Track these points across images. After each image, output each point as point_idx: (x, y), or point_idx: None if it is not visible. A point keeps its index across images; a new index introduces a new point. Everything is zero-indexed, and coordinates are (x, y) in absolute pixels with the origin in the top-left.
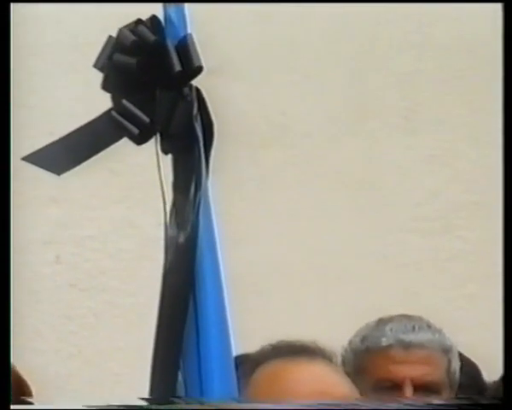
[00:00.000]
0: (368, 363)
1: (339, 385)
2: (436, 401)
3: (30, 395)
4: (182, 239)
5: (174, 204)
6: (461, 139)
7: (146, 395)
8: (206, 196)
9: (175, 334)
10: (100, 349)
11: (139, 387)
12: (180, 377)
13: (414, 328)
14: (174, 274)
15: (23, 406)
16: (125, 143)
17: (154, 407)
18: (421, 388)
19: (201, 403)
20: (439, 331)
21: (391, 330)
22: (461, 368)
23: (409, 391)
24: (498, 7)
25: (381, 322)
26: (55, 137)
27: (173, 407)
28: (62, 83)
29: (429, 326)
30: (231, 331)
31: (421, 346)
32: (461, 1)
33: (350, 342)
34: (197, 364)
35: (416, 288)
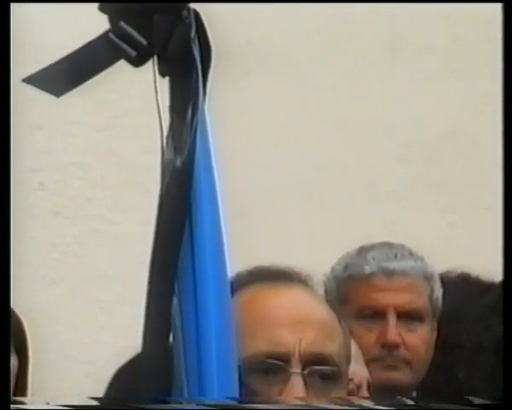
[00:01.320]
0: (350, 291)
1: (317, 310)
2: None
3: (23, 333)
4: (178, 163)
5: (171, 127)
6: (446, 69)
7: (132, 319)
8: (204, 120)
9: (171, 256)
10: (84, 277)
11: (124, 313)
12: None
13: (396, 256)
14: (171, 197)
15: (23, 406)
16: (109, 72)
17: (153, 406)
18: (404, 315)
19: (200, 403)
20: (421, 259)
21: (373, 258)
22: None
23: (392, 319)
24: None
25: (363, 250)
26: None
27: (173, 406)
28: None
29: (411, 254)
30: (227, 253)
31: (403, 273)
32: (461, 1)
33: (332, 270)
34: (192, 284)
35: (398, 216)
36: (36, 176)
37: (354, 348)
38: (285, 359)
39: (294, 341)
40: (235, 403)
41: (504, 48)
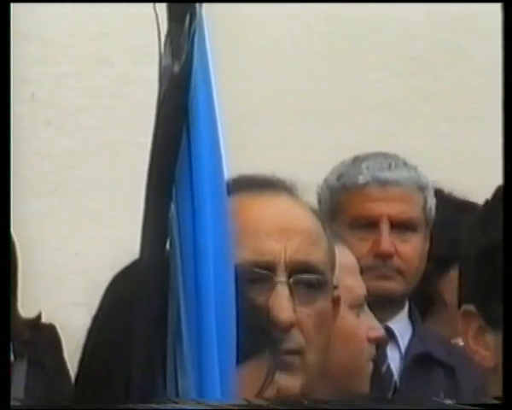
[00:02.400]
0: (344, 201)
1: (302, 219)
2: None
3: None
4: (176, 69)
5: (169, 34)
6: None
7: (124, 229)
8: (202, 27)
9: (168, 162)
10: (76, 187)
11: (116, 224)
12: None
13: (390, 166)
14: (168, 103)
15: (23, 405)
16: None
17: (153, 406)
18: (398, 225)
19: (199, 403)
20: (415, 169)
21: (367, 167)
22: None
23: (385, 229)
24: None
25: (358, 160)
26: None
27: (172, 406)
28: None
29: (405, 164)
30: (224, 160)
31: (397, 183)
32: (461, 1)
33: (326, 180)
34: (190, 190)
35: (390, 127)
36: (27, 86)
37: (352, 261)
38: (271, 268)
39: (280, 249)
40: (235, 403)
41: (504, 48)
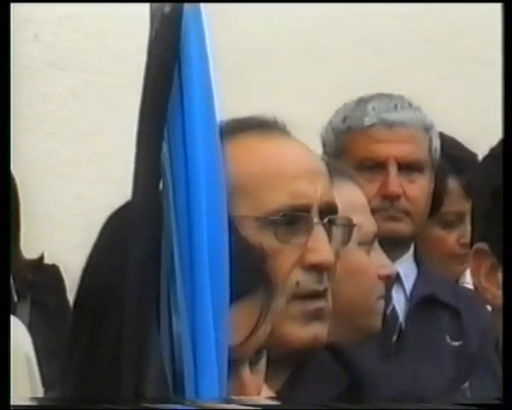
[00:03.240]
0: (350, 143)
1: (316, 160)
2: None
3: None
4: (167, 9)
5: None
6: None
7: (126, 171)
8: None
9: (160, 102)
10: (78, 129)
11: (117, 166)
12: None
13: (396, 107)
14: (159, 43)
15: (23, 406)
16: None
17: (153, 406)
18: (405, 167)
19: (200, 403)
20: (420, 110)
21: (373, 109)
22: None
23: (393, 170)
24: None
25: (362, 101)
26: None
27: (171, 406)
28: None
29: (410, 105)
30: (216, 99)
31: (403, 125)
32: (461, 0)
33: (330, 123)
34: (182, 129)
35: (392, 69)
36: (30, 27)
37: (362, 199)
38: (307, 209)
39: (313, 191)
40: (235, 403)
41: (504, 48)
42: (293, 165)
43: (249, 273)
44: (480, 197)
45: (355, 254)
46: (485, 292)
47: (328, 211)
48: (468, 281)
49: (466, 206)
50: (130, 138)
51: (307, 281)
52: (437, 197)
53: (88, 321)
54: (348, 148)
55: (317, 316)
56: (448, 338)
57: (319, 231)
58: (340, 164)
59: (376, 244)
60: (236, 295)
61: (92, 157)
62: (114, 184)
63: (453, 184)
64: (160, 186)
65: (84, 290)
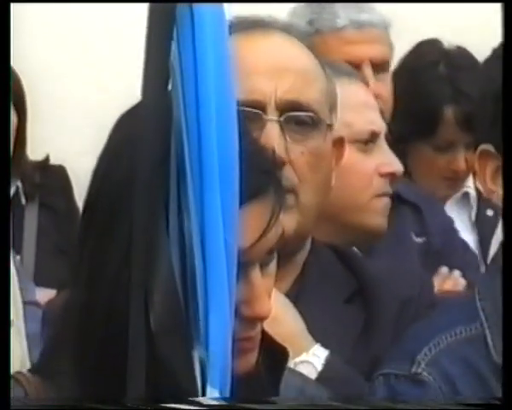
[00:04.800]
0: (319, 46)
1: (296, 58)
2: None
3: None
4: None
5: None
6: None
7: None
8: None
9: (168, 5)
10: (85, 36)
11: (126, 67)
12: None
13: (362, 8)
14: None
15: (23, 405)
16: None
17: (153, 406)
18: (376, 67)
19: (200, 404)
20: (375, 9)
21: (343, 10)
22: None
23: (369, 71)
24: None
25: (327, 5)
26: None
27: (172, 406)
28: None
29: (372, 6)
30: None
31: (372, 25)
32: (461, 0)
33: (290, 26)
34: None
35: None
36: None
37: (362, 98)
38: (261, 106)
39: (270, 88)
40: (235, 404)
41: (504, 48)
42: (255, 61)
43: (260, 175)
44: (484, 99)
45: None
46: (490, 194)
47: (290, 108)
48: (470, 185)
49: (459, 136)
50: (140, 40)
51: None
52: (431, 122)
53: (98, 224)
54: (317, 51)
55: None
56: (413, 234)
57: (271, 128)
58: (344, 64)
59: (382, 142)
60: (247, 197)
61: (100, 66)
62: (122, 85)
63: (448, 112)
64: (170, 86)
65: (95, 193)
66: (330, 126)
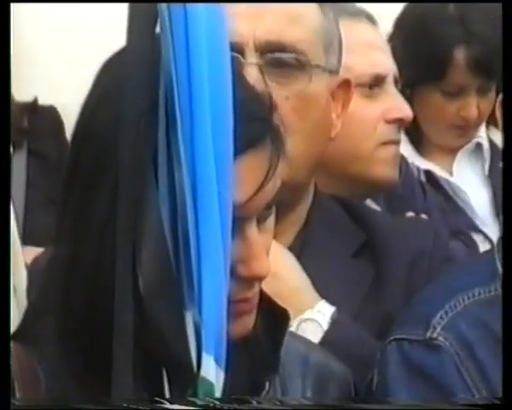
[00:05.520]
0: None
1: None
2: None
3: None
4: None
5: None
6: None
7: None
8: None
9: None
10: None
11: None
12: None
13: None
14: None
15: (23, 405)
16: None
17: (153, 406)
18: None
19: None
20: None
21: None
22: None
23: None
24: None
25: None
26: None
27: (171, 406)
28: None
29: None
30: None
31: None
32: (461, 0)
33: None
34: None
35: None
36: None
37: (369, 37)
38: (239, 50)
39: (248, 30)
40: (235, 404)
41: (504, 48)
42: (237, 4)
43: (256, 123)
44: (498, 41)
45: None
46: None
47: (269, 50)
48: (482, 135)
49: (471, 81)
50: None
51: None
52: (440, 65)
53: (83, 175)
54: None
55: None
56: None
57: (250, 72)
58: (351, 4)
59: (389, 86)
60: (242, 147)
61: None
62: (110, 25)
63: (459, 55)
64: (158, 29)
65: (79, 142)
66: (316, 67)
